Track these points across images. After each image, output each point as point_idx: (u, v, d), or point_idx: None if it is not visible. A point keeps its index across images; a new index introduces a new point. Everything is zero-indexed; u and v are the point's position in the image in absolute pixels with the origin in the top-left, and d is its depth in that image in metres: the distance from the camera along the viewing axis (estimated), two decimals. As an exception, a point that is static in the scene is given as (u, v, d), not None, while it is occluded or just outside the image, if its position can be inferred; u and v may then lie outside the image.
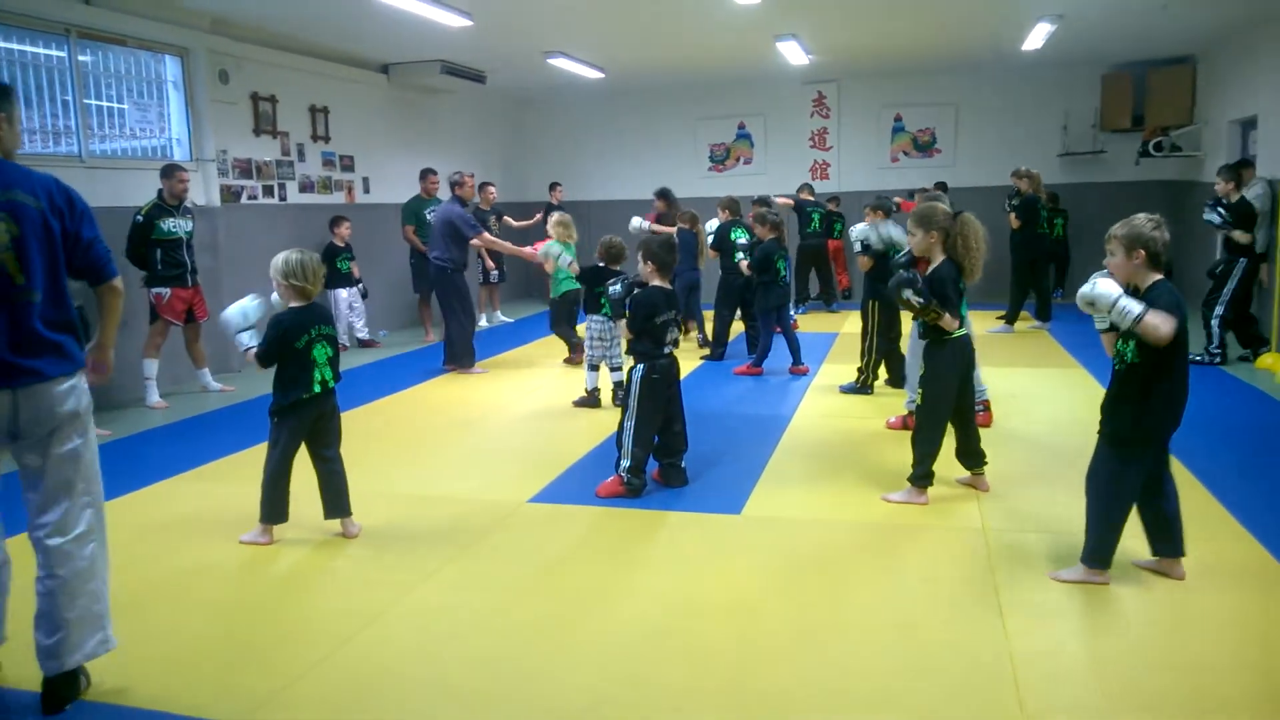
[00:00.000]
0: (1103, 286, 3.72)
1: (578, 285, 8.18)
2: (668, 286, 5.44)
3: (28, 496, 3.21)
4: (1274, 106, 10.03)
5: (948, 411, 5.01)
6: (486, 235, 9.23)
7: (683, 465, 5.49)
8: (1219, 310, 8.74)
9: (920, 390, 5.08)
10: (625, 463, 5.26)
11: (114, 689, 3.32)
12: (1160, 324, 3.56)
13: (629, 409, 5.28)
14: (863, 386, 7.70)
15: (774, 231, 8.57)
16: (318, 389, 4.57)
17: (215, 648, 3.66)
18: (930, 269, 5.02)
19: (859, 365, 7.73)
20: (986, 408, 6.43)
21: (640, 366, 5.29)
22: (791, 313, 9.59)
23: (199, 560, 4.53)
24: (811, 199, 12.94)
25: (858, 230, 7.41)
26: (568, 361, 9.32)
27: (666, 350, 5.35)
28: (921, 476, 5.04)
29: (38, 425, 3.13)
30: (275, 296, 4.62)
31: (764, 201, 10.85)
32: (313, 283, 4.57)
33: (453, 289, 9.05)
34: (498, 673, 3.39)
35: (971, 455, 5.22)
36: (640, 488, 5.29)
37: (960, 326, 4.95)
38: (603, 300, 6.98)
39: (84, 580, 3.23)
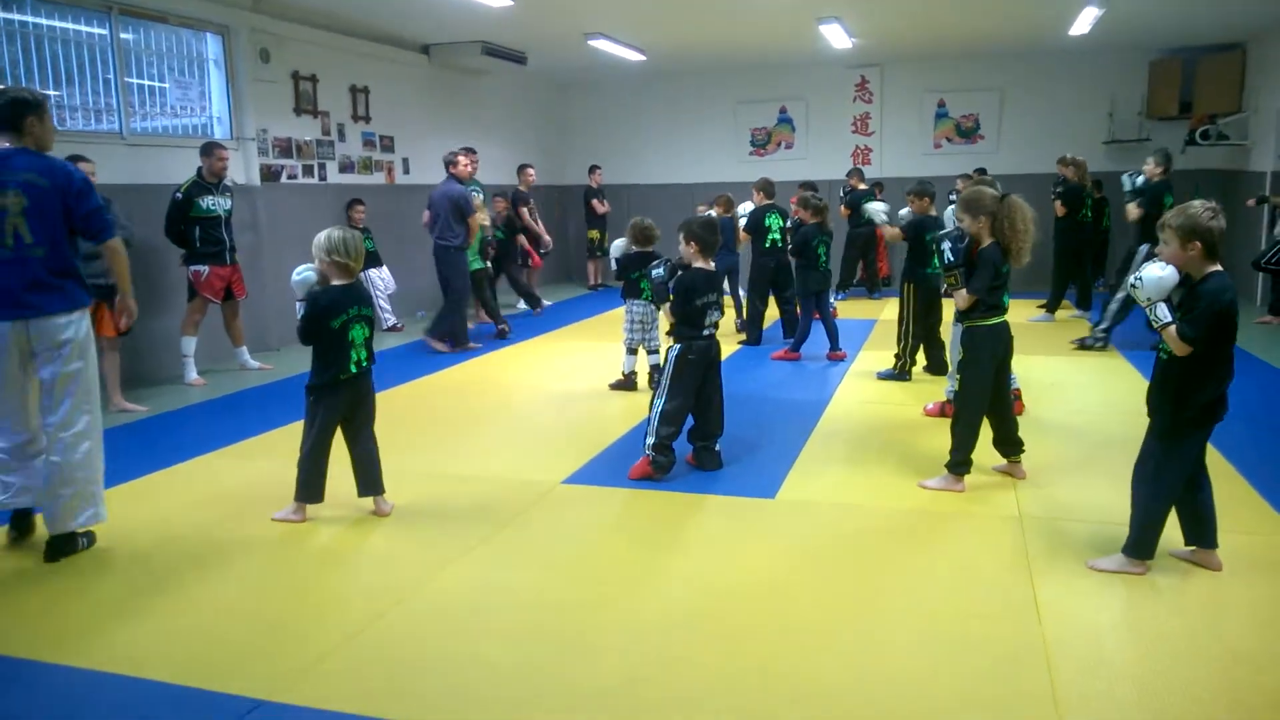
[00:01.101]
0: (1148, 279, 3.69)
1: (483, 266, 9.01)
2: (710, 268, 5.38)
3: (43, 402, 4.23)
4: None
5: (986, 398, 4.96)
6: (478, 215, 9.37)
7: (717, 449, 5.46)
8: (1121, 295, 8.54)
9: (958, 376, 5.04)
10: (650, 439, 5.26)
11: (144, 660, 3.36)
12: (1178, 340, 3.61)
13: (660, 387, 5.28)
14: (900, 373, 7.64)
15: (816, 216, 8.52)
16: (354, 369, 4.59)
17: (248, 622, 3.68)
18: (978, 250, 4.98)
19: (895, 352, 7.67)
20: (1018, 396, 6.35)
21: (678, 346, 5.27)
22: (831, 299, 9.53)
23: (234, 535, 4.57)
24: (864, 187, 12.80)
25: (873, 208, 7.76)
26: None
27: (706, 333, 5.32)
28: (959, 463, 4.99)
29: (46, 348, 4.16)
30: (311, 273, 4.62)
31: (810, 185, 10.79)
32: (355, 260, 4.59)
33: (453, 267, 9.21)
34: (531, 649, 3.39)
35: (1009, 443, 5.17)
36: (667, 465, 5.27)
37: (999, 312, 4.92)
38: (642, 284, 6.95)
39: (77, 468, 4.22)
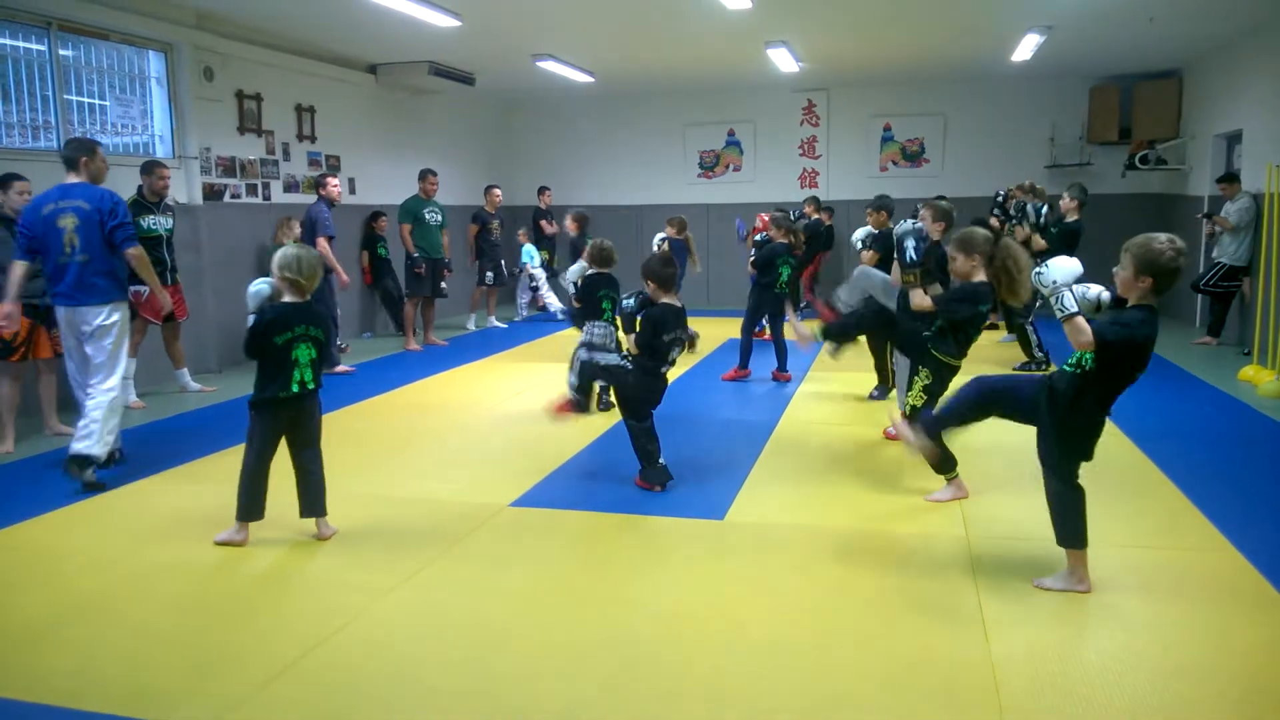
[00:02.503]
0: (1054, 264, 3.68)
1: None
2: (677, 304, 5.43)
3: (84, 369, 5.69)
4: (1259, 121, 10.08)
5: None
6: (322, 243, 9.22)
7: (662, 461, 5.47)
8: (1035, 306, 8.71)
9: (912, 390, 5.24)
10: (573, 380, 5.69)
11: (80, 689, 3.26)
12: (1085, 331, 3.54)
13: (599, 348, 5.88)
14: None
15: (786, 237, 8.58)
16: (296, 389, 4.52)
17: (187, 648, 3.59)
18: (968, 283, 5.05)
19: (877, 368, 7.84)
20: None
21: (630, 366, 5.43)
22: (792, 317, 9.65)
23: (173, 559, 4.46)
24: (819, 215, 12.89)
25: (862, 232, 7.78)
26: None
27: (664, 369, 5.42)
28: (945, 461, 5.04)
29: (85, 329, 5.61)
30: (266, 287, 4.57)
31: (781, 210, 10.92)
32: (307, 278, 4.54)
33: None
34: (474, 675, 3.34)
35: (946, 460, 5.22)
36: (583, 402, 5.78)
37: (960, 355, 5.17)
38: (604, 305, 6.89)
39: (104, 411, 5.57)
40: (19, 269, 5.63)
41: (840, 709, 3.09)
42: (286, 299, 4.54)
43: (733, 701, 3.14)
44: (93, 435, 5.51)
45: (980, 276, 5.00)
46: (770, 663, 3.40)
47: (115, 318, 5.63)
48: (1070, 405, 3.79)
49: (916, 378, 5.26)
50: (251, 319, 4.53)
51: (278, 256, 4.54)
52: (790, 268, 8.63)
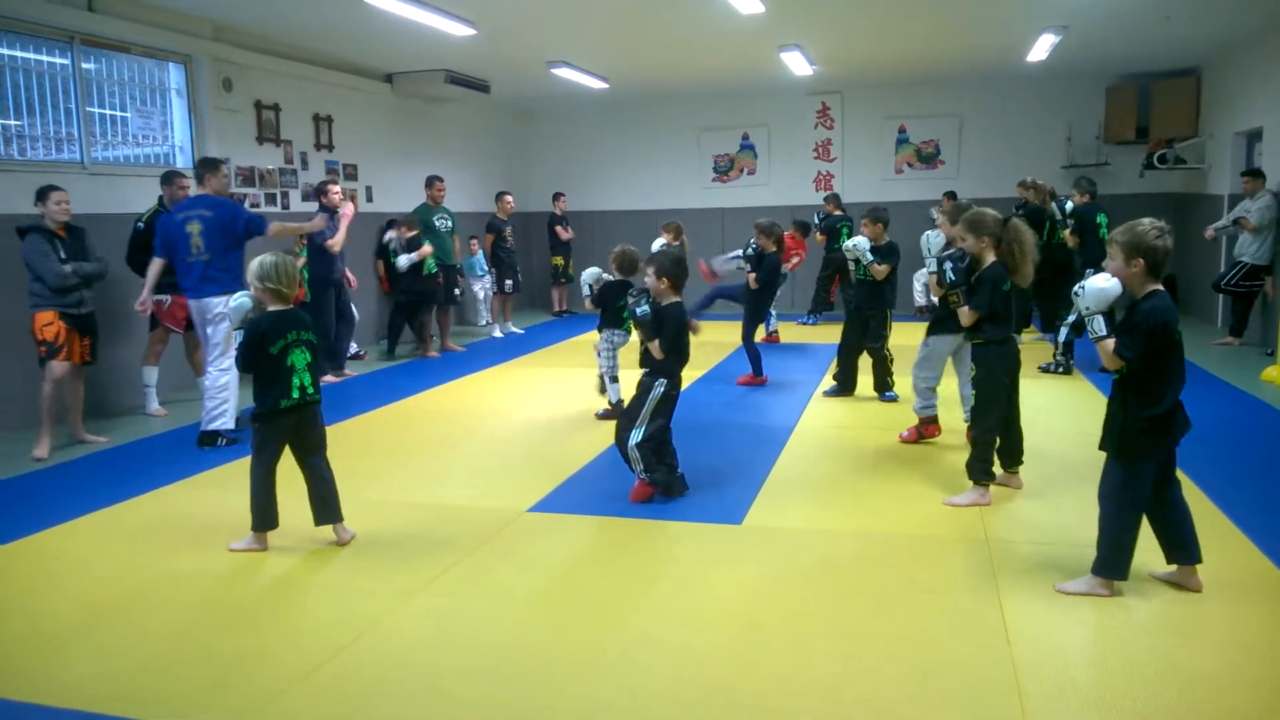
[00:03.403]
0: (1089, 289, 3.74)
1: None
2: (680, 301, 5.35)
3: (205, 349, 6.81)
4: (1279, 118, 10.00)
5: (1002, 409, 5.13)
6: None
7: (680, 472, 5.44)
8: (1071, 318, 8.67)
9: (975, 391, 5.19)
10: (640, 467, 5.23)
11: (99, 696, 3.28)
12: (1111, 355, 3.67)
13: (640, 419, 5.19)
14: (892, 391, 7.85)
15: (777, 245, 8.57)
16: (296, 395, 4.55)
17: (205, 655, 3.61)
18: (979, 270, 5.14)
19: (888, 376, 7.86)
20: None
21: (663, 380, 5.20)
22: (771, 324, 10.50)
23: (192, 566, 4.50)
24: (840, 212, 12.86)
25: (858, 243, 7.60)
26: None
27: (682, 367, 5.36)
28: (984, 473, 5.10)
29: (206, 318, 6.65)
30: (246, 300, 4.62)
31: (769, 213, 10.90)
32: (288, 286, 4.58)
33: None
34: (493, 682, 3.34)
35: (1011, 454, 5.34)
36: (665, 482, 5.28)
37: (1006, 329, 5.13)
38: (624, 315, 6.87)
39: (220, 389, 6.71)
40: (157, 265, 6.92)
41: (861, 713, 3.09)
42: (271, 308, 4.57)
43: (752, 707, 3.14)
44: (224, 414, 6.72)
45: (991, 257, 5.12)
46: (789, 668, 3.40)
47: (232, 305, 5.84)
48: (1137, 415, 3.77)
49: (972, 379, 5.26)
50: (239, 334, 4.58)
51: (254, 268, 4.55)
52: (782, 278, 8.89)
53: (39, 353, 6.56)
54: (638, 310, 5.25)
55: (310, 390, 4.61)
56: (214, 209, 6.64)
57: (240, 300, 4.62)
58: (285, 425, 4.60)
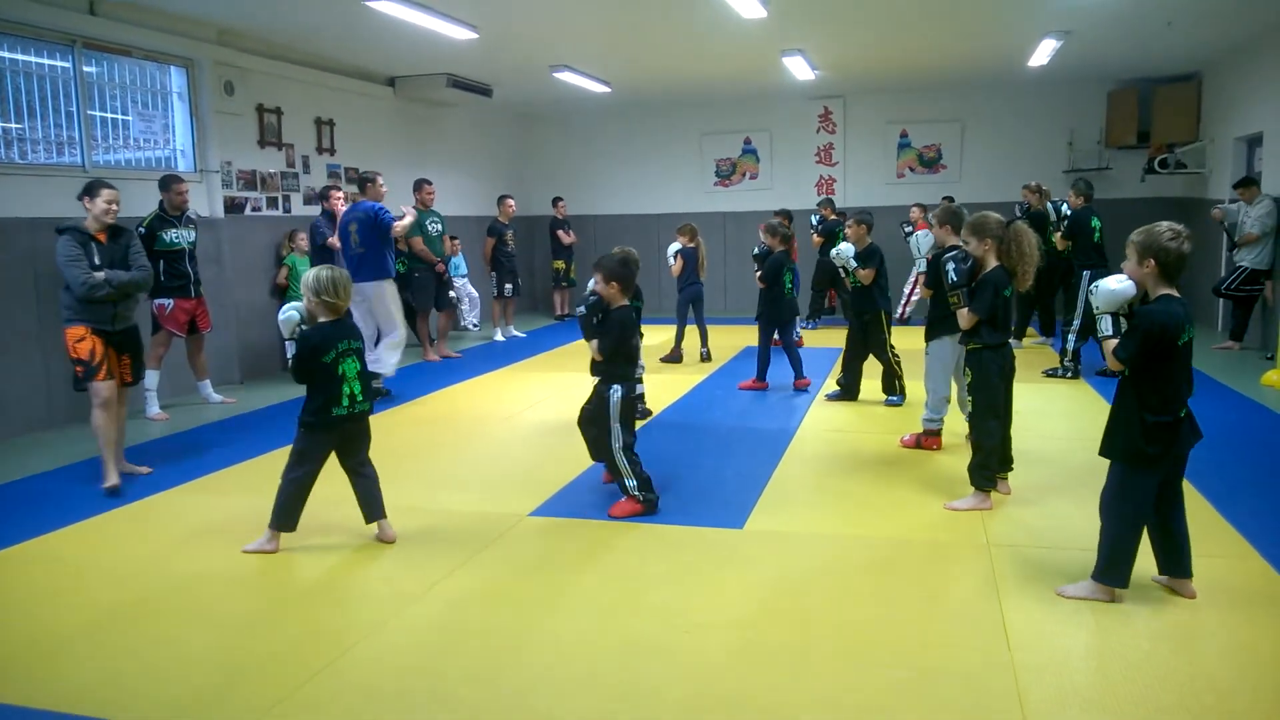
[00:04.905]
0: (1102, 289, 3.79)
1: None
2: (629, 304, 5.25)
3: (368, 325, 8.23)
4: (1279, 124, 10.01)
5: (1000, 412, 5.15)
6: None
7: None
8: (1075, 323, 8.72)
9: (969, 399, 5.20)
10: (632, 482, 5.16)
11: (108, 699, 3.29)
12: (1111, 354, 3.71)
13: (613, 432, 5.12)
14: (901, 392, 7.87)
15: (784, 244, 8.57)
16: (346, 404, 4.58)
17: (212, 658, 3.62)
18: (981, 274, 5.14)
19: (895, 379, 7.85)
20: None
21: (618, 388, 5.12)
22: (798, 328, 9.78)
23: (198, 570, 4.50)
24: (835, 216, 12.85)
25: (842, 250, 7.72)
26: None
27: (637, 372, 5.34)
28: (986, 479, 5.11)
29: (366, 296, 8.15)
30: (295, 312, 4.64)
31: (785, 214, 10.92)
32: (343, 298, 4.61)
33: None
34: (496, 687, 3.35)
35: (1002, 460, 5.33)
36: (657, 500, 5.21)
37: (1003, 335, 5.13)
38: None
39: (395, 353, 8.45)
40: (337, 242, 8.79)
41: (862, 718, 3.09)
42: (322, 319, 4.60)
43: (754, 711, 3.14)
44: (382, 363, 8.25)
45: (994, 261, 5.12)
46: (791, 673, 3.40)
47: (383, 289, 8.46)
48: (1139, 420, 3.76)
49: (968, 384, 5.27)
50: (291, 345, 4.59)
51: (309, 280, 4.58)
52: (793, 275, 8.73)
53: (75, 373, 5.77)
54: (576, 310, 5.31)
55: (360, 399, 4.65)
56: (367, 212, 8.33)
57: (289, 313, 4.65)
58: (334, 434, 4.64)
